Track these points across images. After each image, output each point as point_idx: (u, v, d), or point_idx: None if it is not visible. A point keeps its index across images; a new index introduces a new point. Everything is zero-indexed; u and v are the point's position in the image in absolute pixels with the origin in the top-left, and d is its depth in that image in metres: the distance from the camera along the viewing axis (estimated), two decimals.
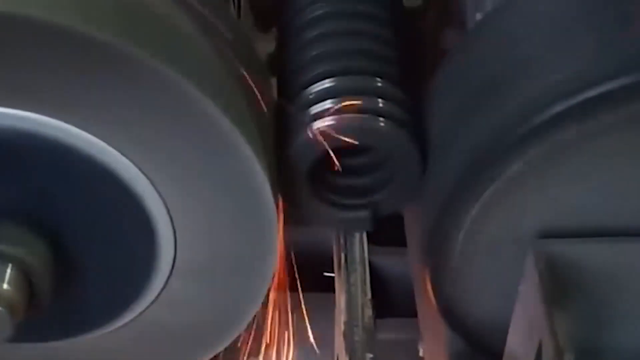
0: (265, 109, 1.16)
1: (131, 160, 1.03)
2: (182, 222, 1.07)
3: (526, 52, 1.10)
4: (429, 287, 1.17)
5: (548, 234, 1.07)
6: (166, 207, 1.06)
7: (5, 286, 1.01)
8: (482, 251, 1.11)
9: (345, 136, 1.14)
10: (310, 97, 1.17)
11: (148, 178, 1.04)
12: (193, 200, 1.06)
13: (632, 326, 1.11)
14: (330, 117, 1.14)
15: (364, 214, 1.22)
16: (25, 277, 1.03)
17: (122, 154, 1.03)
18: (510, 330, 1.10)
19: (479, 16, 1.28)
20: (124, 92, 0.99)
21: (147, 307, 1.14)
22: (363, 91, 1.17)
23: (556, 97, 1.02)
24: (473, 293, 1.16)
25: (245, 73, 1.14)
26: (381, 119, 1.15)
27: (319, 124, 1.14)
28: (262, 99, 1.15)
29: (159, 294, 1.12)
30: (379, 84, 1.18)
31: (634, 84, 1.01)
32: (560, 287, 1.04)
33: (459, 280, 1.15)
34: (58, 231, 1.06)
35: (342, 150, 1.16)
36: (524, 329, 1.07)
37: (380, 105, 1.16)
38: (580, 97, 1.02)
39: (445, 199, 1.11)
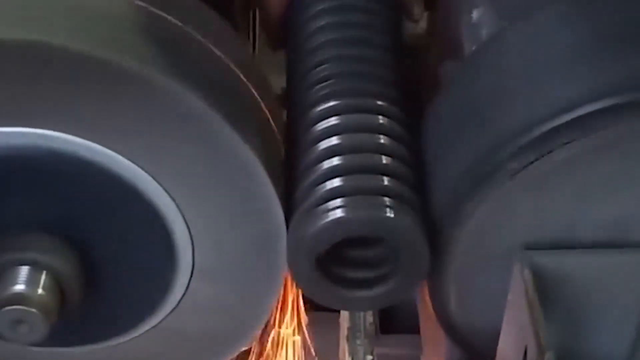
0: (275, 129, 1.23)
1: (154, 178, 1.11)
2: (198, 232, 1.14)
3: (517, 78, 1.15)
4: (428, 298, 1.21)
5: (537, 246, 1.11)
6: (184, 219, 1.13)
7: (40, 291, 1.09)
8: (477, 263, 1.15)
9: (354, 231, 1.12)
10: (319, 192, 1.15)
11: (170, 195, 1.12)
12: (209, 212, 1.14)
13: (612, 334, 1.15)
14: (340, 210, 1.12)
15: (370, 293, 1.18)
16: (57, 284, 1.11)
17: (147, 172, 1.11)
18: (501, 337, 1.14)
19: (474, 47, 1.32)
20: (151, 118, 1.08)
21: (169, 314, 1.21)
22: (370, 189, 1.15)
23: (543, 118, 1.07)
24: (470, 303, 1.19)
25: (261, 101, 1.22)
26: (389, 210, 1.12)
27: (328, 217, 1.12)
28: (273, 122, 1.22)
29: (179, 301, 1.19)
30: (388, 184, 1.16)
31: (616, 106, 1.05)
32: (545, 296, 1.07)
33: (456, 291, 1.18)
34: (86, 241, 1.14)
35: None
36: (513, 336, 1.11)
37: (388, 199, 1.14)
38: (566, 118, 1.06)
39: (440, 214, 1.15)
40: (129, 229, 1.15)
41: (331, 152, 1.18)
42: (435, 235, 1.16)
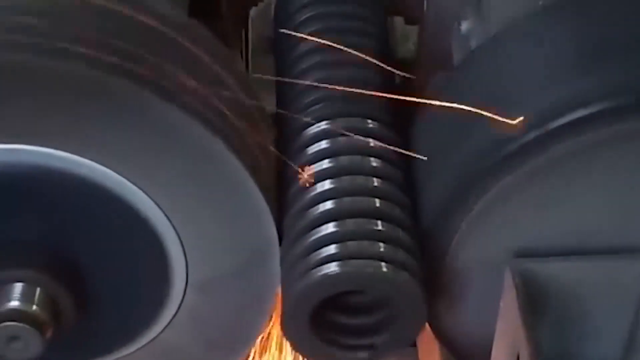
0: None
1: (146, 194, 1.12)
2: (192, 248, 1.15)
3: (501, 88, 1.16)
4: None
5: (527, 254, 1.12)
6: (178, 234, 1.14)
7: (34, 307, 1.10)
8: (468, 272, 1.16)
9: (348, 285, 1.11)
10: (312, 240, 1.13)
11: (163, 211, 1.13)
12: (202, 227, 1.14)
13: (605, 339, 1.16)
14: (335, 264, 1.10)
15: (364, 354, 1.17)
16: (51, 300, 1.12)
17: (140, 188, 1.11)
18: (494, 345, 1.15)
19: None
20: (145, 135, 1.08)
21: (164, 329, 1.21)
22: (365, 234, 1.13)
23: (527, 127, 1.07)
24: (462, 313, 1.20)
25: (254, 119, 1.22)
26: (384, 264, 1.10)
27: (322, 271, 1.10)
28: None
29: (174, 315, 1.20)
30: (383, 229, 1.14)
31: (598, 112, 1.06)
32: (537, 303, 1.09)
33: (448, 301, 1.19)
34: (80, 258, 1.15)
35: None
36: (506, 344, 1.12)
37: (383, 249, 1.11)
38: (550, 125, 1.07)
39: (430, 226, 1.16)
40: (122, 244, 1.15)
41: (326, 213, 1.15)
42: (427, 247, 1.16)
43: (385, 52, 1.41)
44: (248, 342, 1.26)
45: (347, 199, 1.15)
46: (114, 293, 1.19)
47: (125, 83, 1.05)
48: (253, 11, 1.77)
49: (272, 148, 1.24)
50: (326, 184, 1.17)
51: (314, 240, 1.13)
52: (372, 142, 1.20)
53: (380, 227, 1.13)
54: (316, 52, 1.33)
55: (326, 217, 1.14)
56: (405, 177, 1.21)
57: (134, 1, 1.14)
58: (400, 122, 1.29)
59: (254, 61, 1.77)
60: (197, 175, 1.12)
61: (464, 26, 1.40)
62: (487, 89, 1.18)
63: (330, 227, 1.13)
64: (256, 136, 1.20)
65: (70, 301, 1.14)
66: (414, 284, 1.11)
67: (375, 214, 1.14)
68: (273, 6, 1.54)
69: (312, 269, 1.10)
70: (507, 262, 1.11)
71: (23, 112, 1.07)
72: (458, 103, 1.17)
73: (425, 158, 1.17)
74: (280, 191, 1.22)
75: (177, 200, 1.13)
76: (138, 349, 1.24)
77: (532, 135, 1.08)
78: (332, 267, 1.09)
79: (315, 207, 1.15)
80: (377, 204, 1.15)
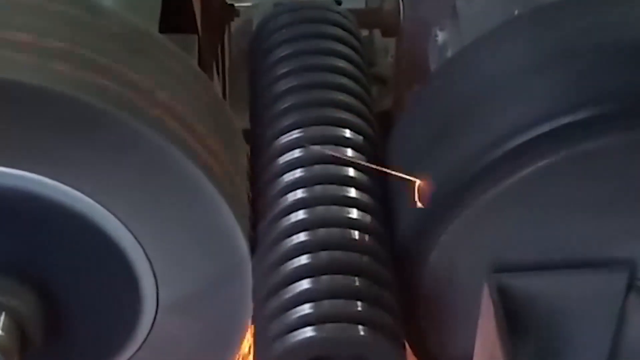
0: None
1: (115, 215, 1.09)
2: (162, 268, 1.13)
3: (480, 95, 1.14)
4: None
5: (506, 269, 1.10)
6: (146, 254, 1.12)
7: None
8: (446, 289, 1.14)
9: (323, 349, 1.06)
10: (286, 297, 1.09)
11: (130, 231, 1.10)
12: (172, 247, 1.12)
13: (583, 354, 1.15)
14: (310, 328, 1.06)
15: None
16: (17, 325, 1.09)
17: (108, 210, 1.09)
18: None
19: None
20: (114, 156, 1.06)
21: (136, 352, 1.19)
22: (343, 292, 1.08)
23: (509, 135, 1.06)
24: (442, 333, 1.19)
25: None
26: (361, 327, 1.06)
27: (296, 337, 1.06)
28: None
29: (146, 338, 1.17)
30: (363, 287, 1.09)
31: (584, 120, 1.05)
32: (515, 318, 1.07)
33: (427, 321, 1.18)
34: (47, 281, 1.12)
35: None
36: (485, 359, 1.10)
37: (360, 309, 1.07)
38: (532, 134, 1.05)
39: (407, 244, 1.15)
40: (89, 266, 1.13)
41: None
42: (403, 264, 1.14)
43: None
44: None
45: (324, 253, 1.11)
46: (83, 317, 1.16)
47: (87, 98, 1.03)
48: (234, 26, 1.77)
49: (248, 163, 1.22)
50: (301, 235, 1.13)
51: (288, 298, 1.09)
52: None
53: (358, 284, 1.09)
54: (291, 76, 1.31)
55: (301, 273, 1.10)
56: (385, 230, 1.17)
57: (97, 10, 1.13)
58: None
59: (232, 76, 1.77)
60: (165, 193, 1.09)
61: (441, 37, 1.40)
62: (458, 101, 1.16)
63: (304, 284, 1.09)
64: (228, 153, 1.18)
65: (37, 326, 1.11)
66: (389, 345, 1.08)
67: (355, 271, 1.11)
68: (255, 22, 1.53)
69: (287, 332, 1.06)
70: (485, 277, 1.09)
71: None
72: (430, 114, 1.17)
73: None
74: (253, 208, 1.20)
75: (145, 220, 1.10)
76: None
77: (508, 148, 1.06)
78: (308, 332, 1.06)
79: (290, 262, 1.11)
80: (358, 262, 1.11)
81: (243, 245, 1.13)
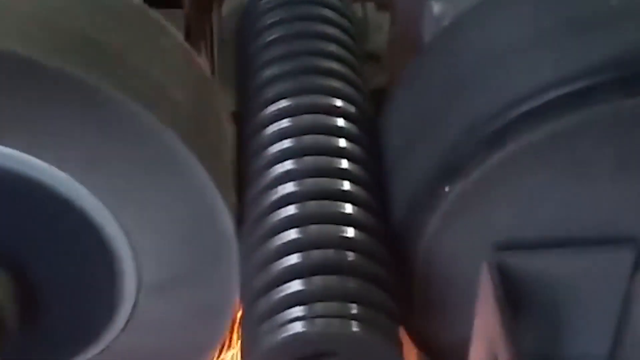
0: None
1: (92, 192, 1.06)
2: (143, 248, 1.10)
3: (480, 64, 1.12)
4: None
5: (505, 248, 1.08)
6: (126, 234, 1.08)
7: None
8: (443, 266, 1.12)
9: (314, 344, 1.04)
10: (276, 298, 1.07)
11: (109, 210, 1.07)
12: (153, 226, 1.09)
13: (586, 334, 1.13)
14: (300, 323, 1.04)
15: None
16: None
17: (84, 186, 1.05)
18: (472, 345, 1.11)
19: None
20: (89, 128, 1.02)
21: (118, 335, 1.16)
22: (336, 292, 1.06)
23: (504, 109, 1.04)
24: (438, 317, 1.17)
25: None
26: (354, 323, 1.04)
27: (288, 331, 1.04)
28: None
29: (127, 321, 1.15)
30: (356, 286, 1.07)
31: (584, 89, 1.02)
32: (515, 298, 1.05)
33: (423, 304, 1.16)
34: (22, 263, 1.09)
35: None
36: (484, 344, 1.07)
37: (354, 311, 1.05)
38: (532, 105, 1.03)
39: (400, 222, 1.13)
40: (67, 247, 1.09)
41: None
42: (398, 245, 1.12)
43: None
44: (208, 348, 1.20)
45: (315, 252, 1.08)
46: (63, 300, 1.13)
47: (69, 70, 0.99)
48: (225, 5, 1.74)
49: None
50: (292, 234, 1.10)
51: (279, 298, 1.06)
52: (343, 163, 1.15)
53: (353, 285, 1.06)
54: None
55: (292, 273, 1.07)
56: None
57: None
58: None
59: (221, 55, 1.75)
60: (148, 172, 1.06)
61: (436, 8, 1.36)
62: (451, 78, 1.14)
63: (296, 285, 1.06)
64: (213, 128, 1.15)
65: (12, 311, 1.08)
66: (383, 342, 1.05)
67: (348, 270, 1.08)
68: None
69: (278, 328, 1.04)
70: (485, 255, 1.06)
71: None
72: (427, 85, 1.14)
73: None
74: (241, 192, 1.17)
75: (126, 200, 1.07)
76: (91, 358, 1.18)
77: (505, 120, 1.04)
78: (298, 327, 1.03)
79: (280, 262, 1.08)
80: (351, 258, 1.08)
81: (229, 223, 1.10)
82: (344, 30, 1.37)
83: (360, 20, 1.64)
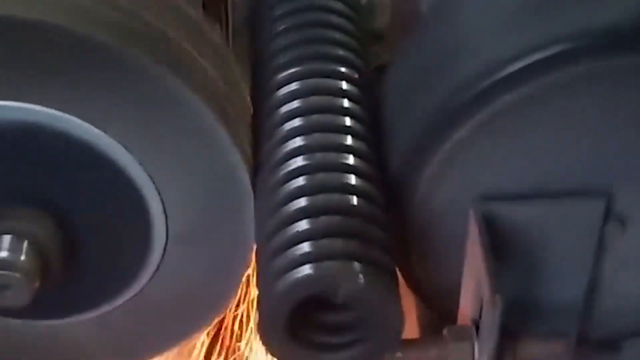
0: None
1: (128, 150, 1.16)
2: (170, 200, 1.19)
3: (461, 37, 1.17)
4: None
5: (493, 197, 1.12)
6: (156, 187, 1.17)
7: (22, 257, 1.14)
8: (437, 215, 1.17)
9: (322, 288, 1.08)
10: (287, 235, 1.12)
11: (142, 165, 1.16)
12: (180, 180, 1.18)
13: (564, 282, 1.18)
14: (308, 266, 1.07)
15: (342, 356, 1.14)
16: (38, 251, 1.16)
17: (118, 142, 1.15)
18: (462, 289, 1.17)
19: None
20: (122, 89, 1.11)
21: (148, 281, 1.24)
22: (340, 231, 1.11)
23: (493, 68, 1.09)
24: (432, 261, 1.21)
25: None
26: (361, 276, 1.07)
27: (296, 274, 1.08)
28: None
29: (156, 269, 1.23)
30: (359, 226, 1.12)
31: (563, 52, 1.07)
32: (499, 245, 1.11)
33: (418, 248, 1.20)
34: (64, 211, 1.18)
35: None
36: (471, 288, 1.14)
37: (356, 247, 1.10)
38: (511, 68, 1.08)
39: (398, 169, 1.17)
40: (104, 198, 1.19)
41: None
42: (395, 193, 1.18)
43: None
44: (227, 296, 1.29)
45: (321, 196, 1.15)
46: (98, 247, 1.22)
47: (99, 34, 1.08)
48: None
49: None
50: (300, 180, 1.17)
51: (288, 237, 1.13)
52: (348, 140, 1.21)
53: (357, 225, 1.12)
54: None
55: (301, 214, 1.14)
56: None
57: None
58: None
59: (236, 37, 1.80)
60: (178, 133, 1.15)
61: None
62: (446, 41, 1.20)
63: (304, 224, 1.12)
64: (234, 92, 1.23)
65: (57, 253, 1.18)
66: (390, 294, 1.10)
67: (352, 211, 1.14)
68: None
69: (287, 271, 1.09)
70: (472, 204, 1.12)
71: None
72: (420, 56, 1.20)
73: None
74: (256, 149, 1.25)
75: (156, 155, 1.16)
76: (124, 303, 1.27)
77: (494, 78, 1.09)
78: (306, 270, 1.08)
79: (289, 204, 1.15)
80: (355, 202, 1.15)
81: (246, 180, 1.18)
82: (350, 7, 1.42)
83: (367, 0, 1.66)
